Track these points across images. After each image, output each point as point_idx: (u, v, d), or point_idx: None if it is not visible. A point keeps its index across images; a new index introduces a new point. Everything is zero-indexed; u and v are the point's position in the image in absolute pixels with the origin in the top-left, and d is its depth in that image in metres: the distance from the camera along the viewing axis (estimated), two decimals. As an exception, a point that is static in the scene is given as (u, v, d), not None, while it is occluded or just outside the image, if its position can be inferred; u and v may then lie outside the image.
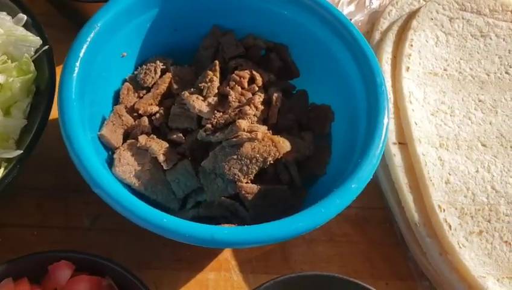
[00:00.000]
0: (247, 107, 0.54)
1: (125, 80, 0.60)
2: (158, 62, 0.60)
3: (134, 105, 0.59)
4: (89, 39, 0.52)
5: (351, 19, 0.73)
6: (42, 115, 0.50)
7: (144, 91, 0.60)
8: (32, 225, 0.58)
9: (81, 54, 0.51)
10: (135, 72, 0.61)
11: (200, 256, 0.59)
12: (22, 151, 0.48)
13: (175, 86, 0.60)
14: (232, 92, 0.56)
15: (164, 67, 0.61)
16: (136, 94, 0.60)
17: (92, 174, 0.44)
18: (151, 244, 0.58)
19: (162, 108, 0.59)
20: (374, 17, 0.72)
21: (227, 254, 0.60)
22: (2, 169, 0.48)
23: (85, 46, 0.51)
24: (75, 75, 0.50)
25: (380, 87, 0.53)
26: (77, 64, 0.50)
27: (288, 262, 0.59)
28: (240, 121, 0.53)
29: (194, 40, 0.63)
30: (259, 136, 0.53)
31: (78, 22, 0.71)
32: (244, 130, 0.53)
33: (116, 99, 0.59)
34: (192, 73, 0.62)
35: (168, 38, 0.62)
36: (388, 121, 0.51)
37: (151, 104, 0.59)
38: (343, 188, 0.47)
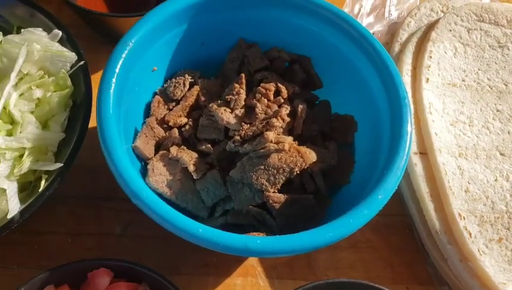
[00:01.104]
0: (274, 120, 0.56)
1: (155, 93, 0.63)
2: (186, 76, 0.63)
3: (164, 117, 0.61)
4: (123, 55, 0.54)
5: (370, 30, 0.75)
6: (80, 129, 0.52)
7: (173, 103, 0.62)
8: (66, 232, 0.61)
9: (117, 70, 0.53)
10: (164, 85, 0.63)
11: (227, 262, 0.61)
12: (62, 164, 0.50)
13: (202, 98, 0.62)
14: (258, 105, 0.58)
15: (192, 80, 0.63)
16: (166, 106, 0.62)
17: (131, 187, 0.46)
18: (180, 251, 0.60)
19: (190, 119, 0.61)
20: (393, 28, 0.74)
21: (253, 260, 0.62)
22: (43, 181, 0.50)
23: (120, 62, 0.54)
24: (112, 91, 0.52)
25: (403, 100, 0.55)
26: (113, 80, 0.52)
27: (312, 268, 0.61)
28: (267, 132, 0.55)
29: (220, 52, 0.66)
30: (287, 147, 0.55)
31: (104, 34, 0.74)
32: (271, 142, 0.55)
33: (147, 111, 0.62)
34: (219, 85, 0.64)
35: (195, 51, 0.64)
36: (412, 134, 0.53)
37: (180, 116, 0.61)
38: (370, 199, 0.49)
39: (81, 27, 0.72)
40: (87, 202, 0.63)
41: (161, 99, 0.62)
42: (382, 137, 0.56)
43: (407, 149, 0.52)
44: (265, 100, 0.59)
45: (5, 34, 0.60)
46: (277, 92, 0.61)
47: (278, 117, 0.56)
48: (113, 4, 0.76)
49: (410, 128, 0.53)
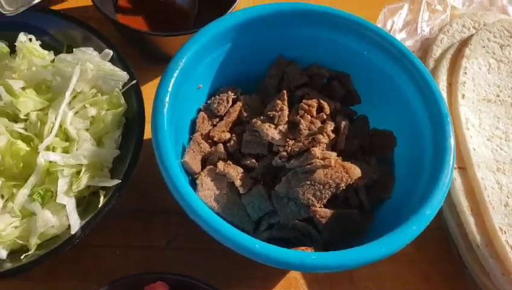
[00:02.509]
0: (320, 136, 0.58)
1: (199, 109, 0.64)
2: (229, 92, 0.64)
3: (209, 132, 0.63)
4: (175, 74, 0.56)
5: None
6: (135, 146, 0.54)
7: (217, 119, 0.64)
8: (114, 245, 0.63)
9: (170, 89, 0.55)
10: (208, 102, 0.65)
11: (271, 275, 0.63)
12: (120, 181, 0.52)
13: (245, 114, 0.64)
14: (302, 121, 0.60)
15: (235, 96, 0.65)
16: (210, 122, 0.64)
17: (191, 204, 0.48)
18: (227, 264, 0.62)
19: (233, 135, 0.63)
20: (426, 44, 0.76)
21: (295, 272, 0.63)
22: (102, 197, 0.52)
23: (172, 81, 0.56)
24: (165, 110, 0.54)
25: (445, 118, 0.56)
26: (167, 99, 0.54)
27: (353, 280, 0.63)
28: (314, 149, 0.57)
29: (259, 69, 0.68)
30: (333, 163, 0.56)
31: (144, 51, 0.76)
32: (318, 158, 0.57)
33: (192, 127, 0.63)
34: (260, 101, 0.66)
35: (235, 68, 0.66)
36: (454, 151, 0.55)
37: (224, 131, 0.63)
38: (419, 215, 0.50)
39: (123, 44, 0.75)
40: (135, 214, 0.64)
41: (205, 115, 0.64)
42: (423, 153, 0.58)
43: (451, 166, 0.54)
44: (309, 116, 0.61)
45: (56, 53, 0.62)
46: (319, 108, 0.62)
47: (324, 133, 0.58)
48: (152, 21, 0.78)
49: (453, 145, 0.55)
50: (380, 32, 0.63)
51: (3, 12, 0.56)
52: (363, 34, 0.63)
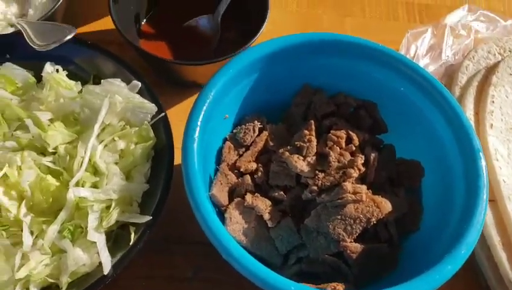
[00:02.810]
0: (351, 170, 0.57)
1: (225, 139, 0.64)
2: (256, 122, 0.64)
3: (235, 163, 0.62)
4: (204, 108, 0.56)
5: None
6: (164, 182, 0.54)
7: (243, 149, 0.64)
8: (140, 276, 0.62)
9: (199, 124, 0.55)
10: (234, 131, 0.64)
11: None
12: (151, 217, 0.51)
13: (271, 143, 0.63)
14: (331, 153, 0.60)
15: (261, 126, 0.64)
16: (236, 152, 0.63)
17: (222, 244, 0.48)
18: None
19: (260, 165, 0.62)
20: (451, 70, 0.75)
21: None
22: (133, 234, 0.51)
23: (201, 116, 0.55)
24: (195, 145, 0.53)
25: (477, 152, 0.56)
26: (196, 134, 0.54)
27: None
28: (345, 184, 0.56)
29: (285, 97, 0.67)
30: (364, 198, 0.56)
31: (167, 77, 0.76)
32: (349, 192, 0.56)
33: (218, 157, 0.63)
34: (285, 130, 0.65)
35: (261, 97, 0.66)
36: (487, 187, 0.54)
37: (250, 161, 0.63)
38: (453, 254, 0.50)
39: (142, 64, 0.74)
40: (160, 243, 0.64)
41: (231, 145, 0.63)
42: (453, 185, 0.57)
43: (485, 203, 0.53)
44: (338, 148, 0.60)
45: (82, 83, 0.62)
46: (348, 139, 0.62)
47: (355, 167, 0.57)
48: (175, 45, 0.77)
49: (486, 182, 0.54)
50: (409, 63, 0.63)
51: (33, 46, 0.56)
52: (391, 65, 0.63)
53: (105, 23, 0.82)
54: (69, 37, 0.55)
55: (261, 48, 0.61)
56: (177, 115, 0.75)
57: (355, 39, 0.63)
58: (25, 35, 0.57)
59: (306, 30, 0.87)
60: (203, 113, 0.56)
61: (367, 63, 0.63)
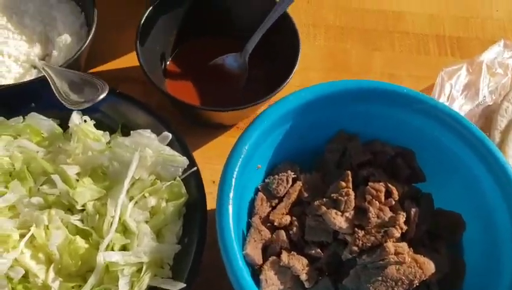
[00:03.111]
0: (394, 230, 0.54)
1: (257, 189, 0.61)
2: (289, 172, 0.61)
3: (268, 215, 0.60)
4: (238, 164, 0.54)
5: (462, 113, 0.73)
6: (198, 245, 0.51)
7: (276, 200, 0.61)
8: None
9: (233, 182, 0.52)
10: (266, 181, 0.62)
11: None
12: (185, 285, 0.49)
13: (305, 194, 0.61)
14: (371, 208, 0.57)
15: (295, 176, 0.62)
16: (269, 203, 0.61)
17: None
18: None
19: (293, 218, 0.60)
20: (488, 111, 0.73)
21: None
22: (166, 303, 0.49)
23: (236, 172, 0.53)
24: (230, 206, 0.51)
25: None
26: (231, 194, 0.52)
27: None
28: (388, 245, 0.53)
29: (318, 143, 0.65)
30: (407, 259, 0.53)
31: (197, 120, 0.74)
32: (391, 253, 0.53)
33: (250, 208, 0.60)
34: (320, 179, 0.63)
35: (294, 144, 0.63)
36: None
37: (284, 214, 0.60)
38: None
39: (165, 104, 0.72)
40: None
41: (264, 196, 0.61)
42: (499, 241, 0.55)
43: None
44: (377, 203, 0.58)
45: (110, 132, 0.60)
46: (386, 192, 0.59)
47: (397, 227, 0.55)
48: (202, 85, 0.75)
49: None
50: (448, 111, 0.60)
51: (63, 102, 0.53)
52: (430, 113, 0.60)
53: (130, 60, 0.80)
54: (101, 96, 0.52)
55: (295, 97, 0.59)
56: (203, 156, 0.73)
57: (395, 87, 0.60)
58: (52, 87, 0.55)
59: (334, 65, 0.85)
60: (237, 169, 0.53)
61: (405, 110, 0.61)
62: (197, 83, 0.75)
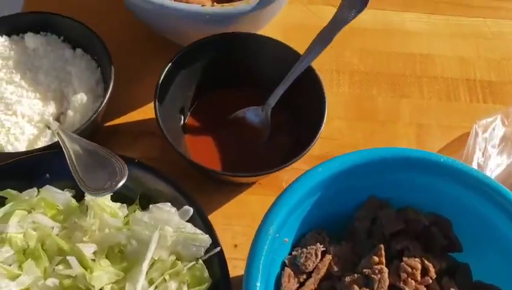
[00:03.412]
0: (432, 316, 0.50)
1: (284, 263, 0.58)
2: (318, 245, 0.58)
3: (296, 294, 0.56)
4: (265, 247, 0.50)
5: (499, 170, 0.69)
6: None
7: (304, 276, 0.57)
8: None
9: (261, 268, 0.49)
10: (293, 253, 0.58)
11: None
12: None
13: (335, 268, 0.57)
14: (406, 289, 0.53)
15: (324, 249, 0.58)
16: (296, 279, 0.57)
17: None
18: None
19: (322, 293, 0.56)
20: (527, 168, 0.68)
21: None
22: None
23: (263, 256, 0.50)
24: (258, 291, 0.48)
25: None
26: (258, 283, 0.48)
27: None
28: (427, 332, 0.50)
29: (347, 209, 0.61)
30: None
31: (216, 181, 0.70)
32: (430, 340, 0.49)
33: (277, 284, 0.57)
34: (350, 250, 0.59)
35: (321, 213, 0.60)
36: None
37: (312, 290, 0.56)
38: None
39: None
40: None
41: (291, 272, 0.57)
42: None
43: None
44: (413, 282, 0.54)
45: (127, 203, 0.57)
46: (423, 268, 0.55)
47: (436, 312, 0.51)
48: (223, 140, 0.72)
49: None
50: (486, 181, 0.56)
51: (85, 192, 0.50)
52: (468, 182, 0.56)
53: (147, 112, 0.77)
54: (121, 183, 0.49)
55: (324, 169, 0.55)
56: (224, 215, 0.70)
57: (431, 156, 0.56)
58: (71, 169, 0.52)
59: (360, 112, 0.81)
60: (264, 253, 0.50)
61: (441, 179, 0.57)
62: (218, 138, 0.72)
